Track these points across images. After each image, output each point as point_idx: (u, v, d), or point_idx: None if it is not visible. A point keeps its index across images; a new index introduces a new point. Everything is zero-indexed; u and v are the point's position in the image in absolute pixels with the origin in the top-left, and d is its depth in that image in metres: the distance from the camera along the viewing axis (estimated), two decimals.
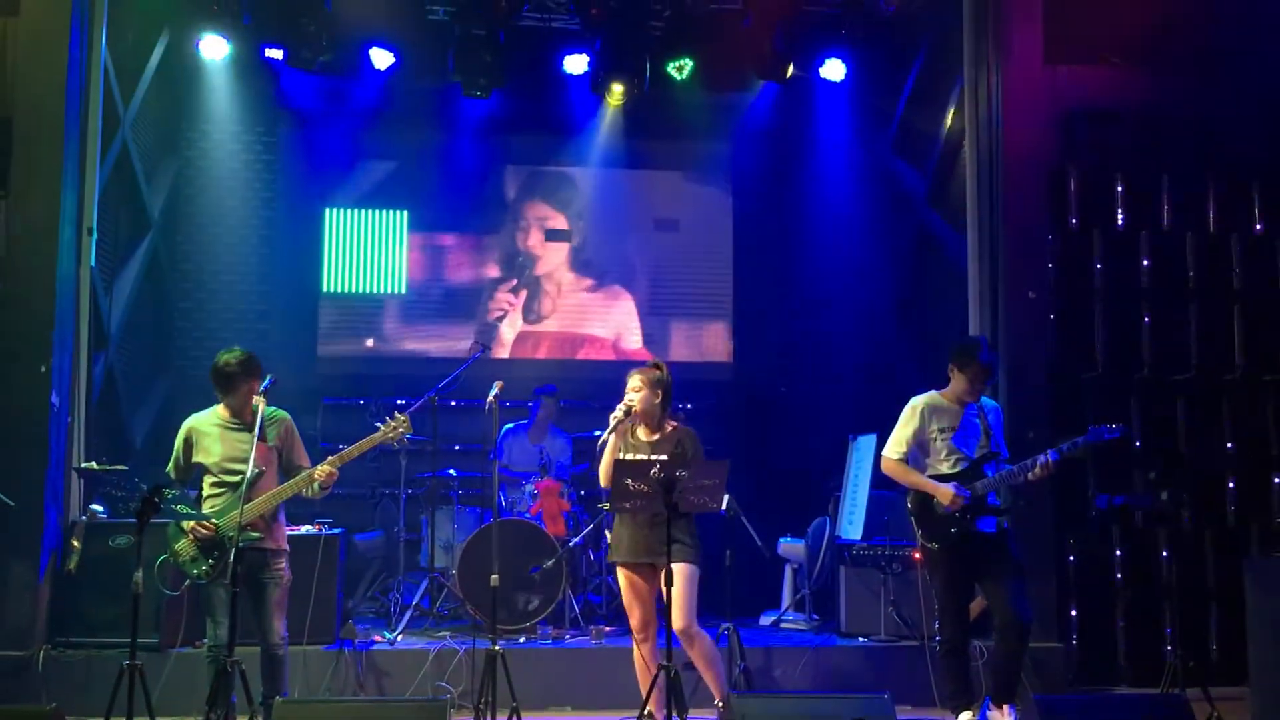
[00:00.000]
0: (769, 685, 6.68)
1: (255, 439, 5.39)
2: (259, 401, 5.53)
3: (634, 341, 10.38)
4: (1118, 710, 5.05)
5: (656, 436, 5.72)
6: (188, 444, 5.64)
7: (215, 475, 5.54)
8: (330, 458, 5.58)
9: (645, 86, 8.91)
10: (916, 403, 5.90)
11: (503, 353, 10.03)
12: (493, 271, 10.33)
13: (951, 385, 5.86)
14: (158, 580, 6.11)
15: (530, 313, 10.32)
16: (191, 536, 5.47)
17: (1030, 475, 5.64)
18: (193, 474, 5.66)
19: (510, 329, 10.27)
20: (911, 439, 5.84)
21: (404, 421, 5.67)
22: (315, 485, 5.53)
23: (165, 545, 5.57)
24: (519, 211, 10.41)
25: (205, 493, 5.61)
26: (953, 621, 5.77)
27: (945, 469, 5.77)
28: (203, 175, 9.86)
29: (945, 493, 5.66)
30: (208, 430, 5.62)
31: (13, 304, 6.92)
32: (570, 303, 10.39)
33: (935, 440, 5.80)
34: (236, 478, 5.48)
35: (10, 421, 6.76)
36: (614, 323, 10.42)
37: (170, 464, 5.70)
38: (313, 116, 9.94)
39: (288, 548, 5.75)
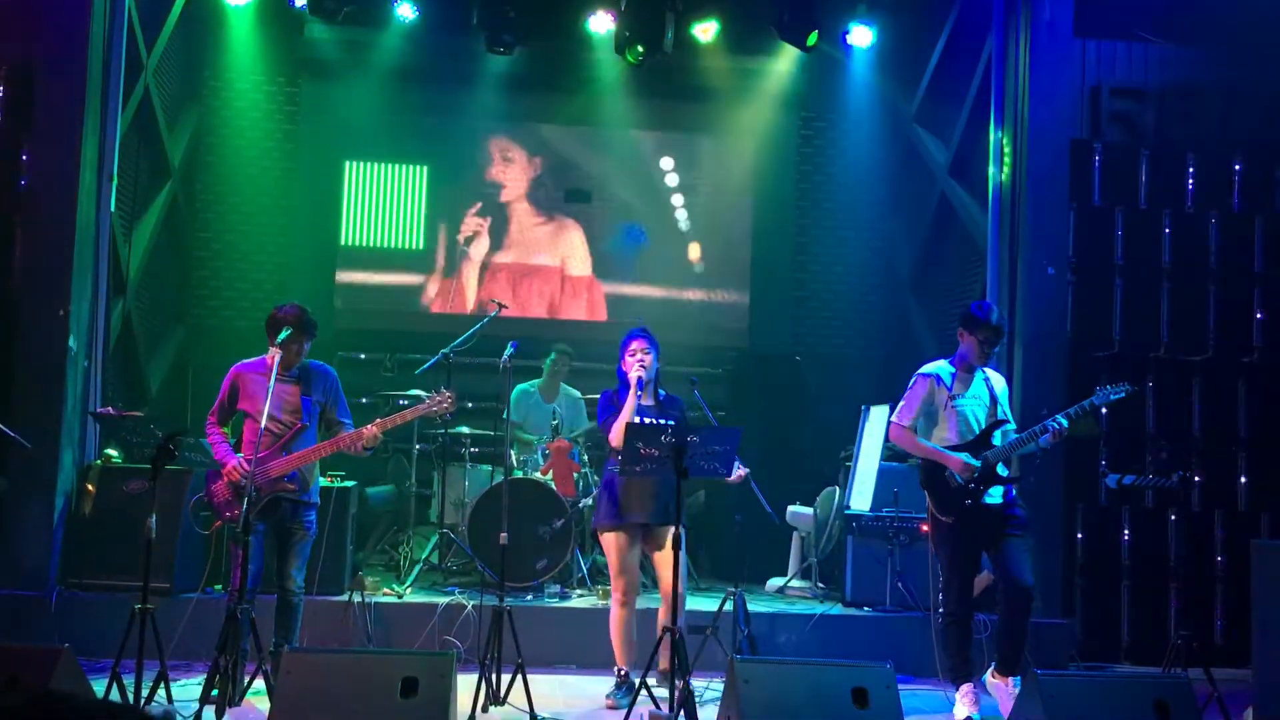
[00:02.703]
0: (772, 651, 6.72)
1: (270, 389, 5.42)
2: (275, 355, 5.56)
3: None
4: (1119, 687, 5.05)
5: (654, 402, 5.90)
6: (234, 389, 5.71)
7: (257, 423, 5.58)
8: (378, 420, 5.65)
9: (669, 48, 8.84)
10: (925, 371, 5.91)
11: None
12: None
13: (960, 350, 5.86)
14: (192, 520, 6.20)
15: (495, 248, 10.32)
16: (225, 480, 5.55)
17: (1041, 444, 5.64)
18: (233, 418, 5.75)
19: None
20: (920, 406, 5.84)
21: (449, 397, 5.73)
22: (359, 444, 5.61)
23: (195, 487, 5.67)
24: (538, 169, 10.38)
25: (246, 439, 5.68)
26: (956, 594, 5.78)
27: (953, 438, 5.78)
28: (224, 124, 9.87)
29: (956, 462, 5.66)
30: (254, 378, 5.67)
31: (33, 247, 6.97)
32: (535, 236, 10.39)
33: (943, 408, 5.81)
34: (279, 427, 5.57)
35: (28, 364, 6.83)
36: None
37: (215, 404, 5.77)
38: (335, 68, 9.93)
39: (319, 502, 5.84)
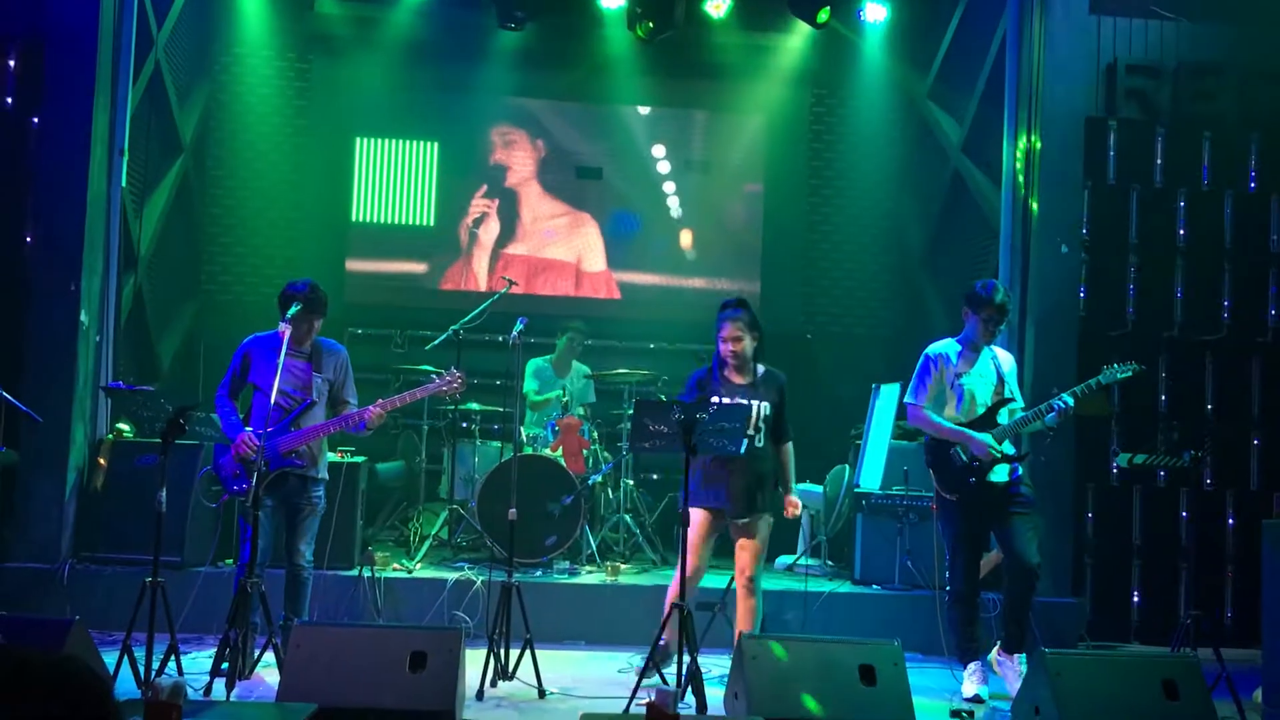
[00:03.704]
0: (781, 628, 6.72)
1: (280, 364, 5.43)
2: (284, 331, 5.56)
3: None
4: (1127, 667, 5.04)
5: (749, 380, 5.71)
6: (245, 362, 5.72)
7: (267, 397, 5.53)
8: (380, 401, 5.64)
9: (681, 24, 8.79)
10: (932, 351, 5.90)
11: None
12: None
13: (966, 329, 5.85)
14: (200, 493, 6.22)
15: (507, 237, 10.29)
16: (235, 454, 5.57)
17: (1048, 422, 5.61)
18: (243, 391, 5.75)
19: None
20: (931, 386, 5.82)
21: (459, 378, 5.72)
22: (362, 424, 5.61)
23: (205, 460, 5.68)
24: (548, 146, 10.35)
25: (255, 413, 5.66)
26: (963, 573, 5.79)
27: (960, 416, 5.76)
28: (235, 100, 9.85)
29: (979, 444, 5.64)
30: (265, 352, 5.67)
31: (44, 222, 6.97)
32: (550, 228, 10.37)
33: (951, 386, 5.79)
34: (288, 402, 5.59)
35: (40, 339, 6.85)
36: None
37: (225, 376, 5.77)
38: (346, 44, 9.90)
39: (327, 477, 5.85)
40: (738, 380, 5.69)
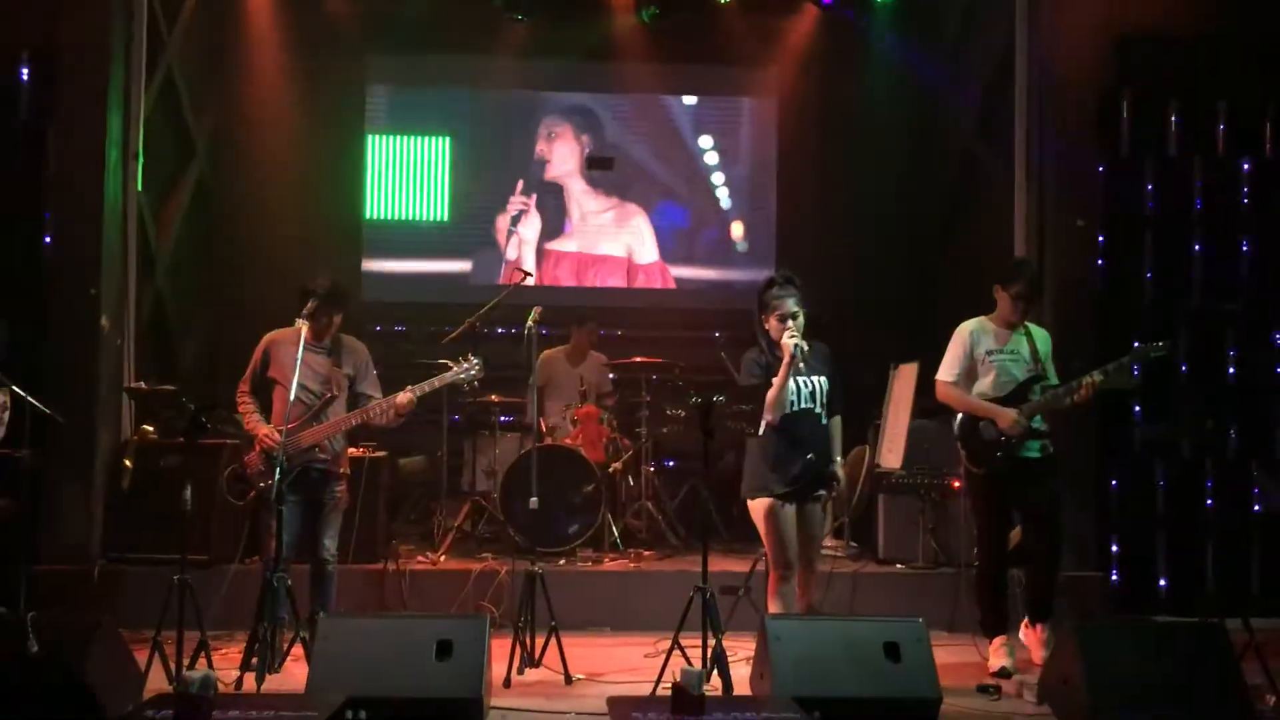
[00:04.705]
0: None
1: (299, 359, 5.46)
2: (302, 327, 5.58)
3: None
4: (1155, 637, 5.02)
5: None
6: (266, 356, 5.76)
7: (287, 391, 5.57)
8: (410, 386, 5.67)
9: (687, 9, 8.78)
10: (964, 327, 5.88)
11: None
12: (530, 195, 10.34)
13: (997, 308, 5.83)
14: (224, 490, 6.27)
15: (553, 233, 10.32)
16: (258, 449, 5.60)
17: (1076, 397, 5.59)
18: (264, 386, 5.78)
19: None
20: (962, 362, 5.81)
21: (477, 364, 5.73)
22: (392, 412, 5.64)
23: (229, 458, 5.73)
24: (559, 135, 10.36)
25: (276, 409, 5.71)
26: (989, 548, 5.78)
27: (991, 392, 5.75)
28: (247, 101, 9.85)
29: (1006, 416, 5.61)
30: (286, 347, 5.70)
31: (62, 227, 7.03)
32: (598, 224, 10.39)
33: (981, 364, 5.78)
34: (309, 397, 5.62)
35: (61, 342, 6.91)
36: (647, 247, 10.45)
37: (247, 373, 5.81)
38: (356, 41, 9.91)
39: (348, 472, 5.90)
40: (787, 358, 5.40)
